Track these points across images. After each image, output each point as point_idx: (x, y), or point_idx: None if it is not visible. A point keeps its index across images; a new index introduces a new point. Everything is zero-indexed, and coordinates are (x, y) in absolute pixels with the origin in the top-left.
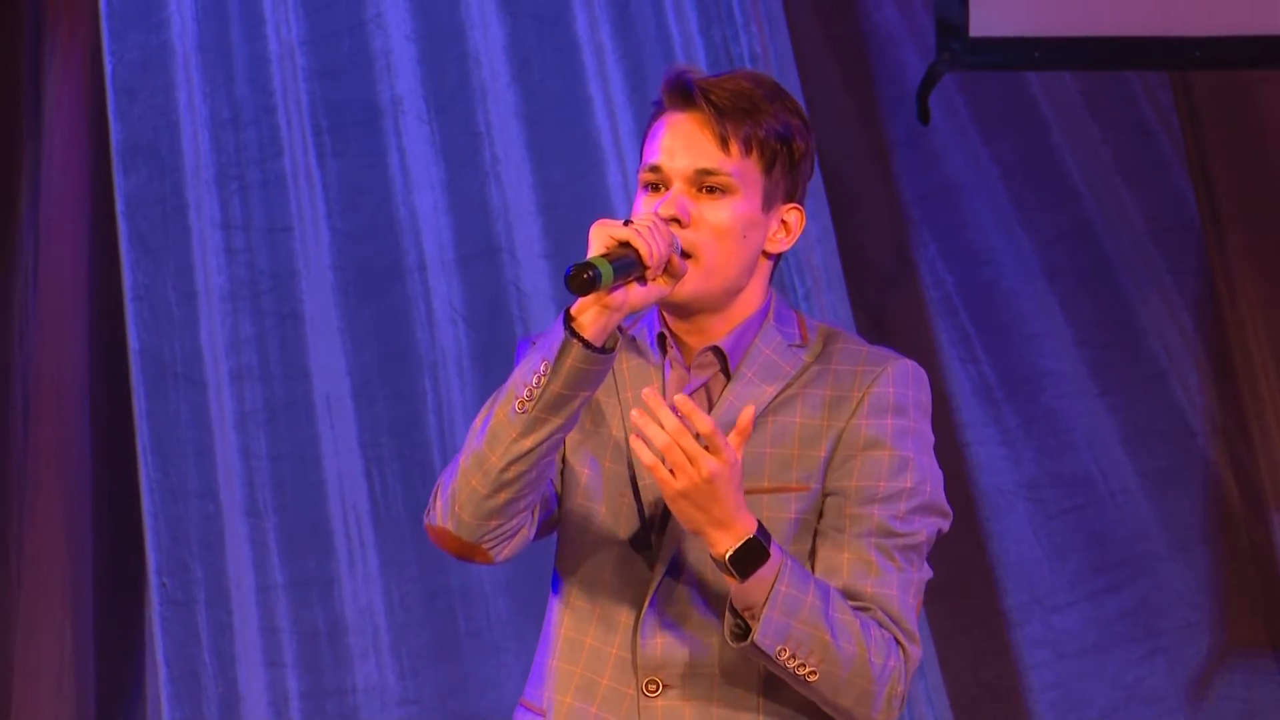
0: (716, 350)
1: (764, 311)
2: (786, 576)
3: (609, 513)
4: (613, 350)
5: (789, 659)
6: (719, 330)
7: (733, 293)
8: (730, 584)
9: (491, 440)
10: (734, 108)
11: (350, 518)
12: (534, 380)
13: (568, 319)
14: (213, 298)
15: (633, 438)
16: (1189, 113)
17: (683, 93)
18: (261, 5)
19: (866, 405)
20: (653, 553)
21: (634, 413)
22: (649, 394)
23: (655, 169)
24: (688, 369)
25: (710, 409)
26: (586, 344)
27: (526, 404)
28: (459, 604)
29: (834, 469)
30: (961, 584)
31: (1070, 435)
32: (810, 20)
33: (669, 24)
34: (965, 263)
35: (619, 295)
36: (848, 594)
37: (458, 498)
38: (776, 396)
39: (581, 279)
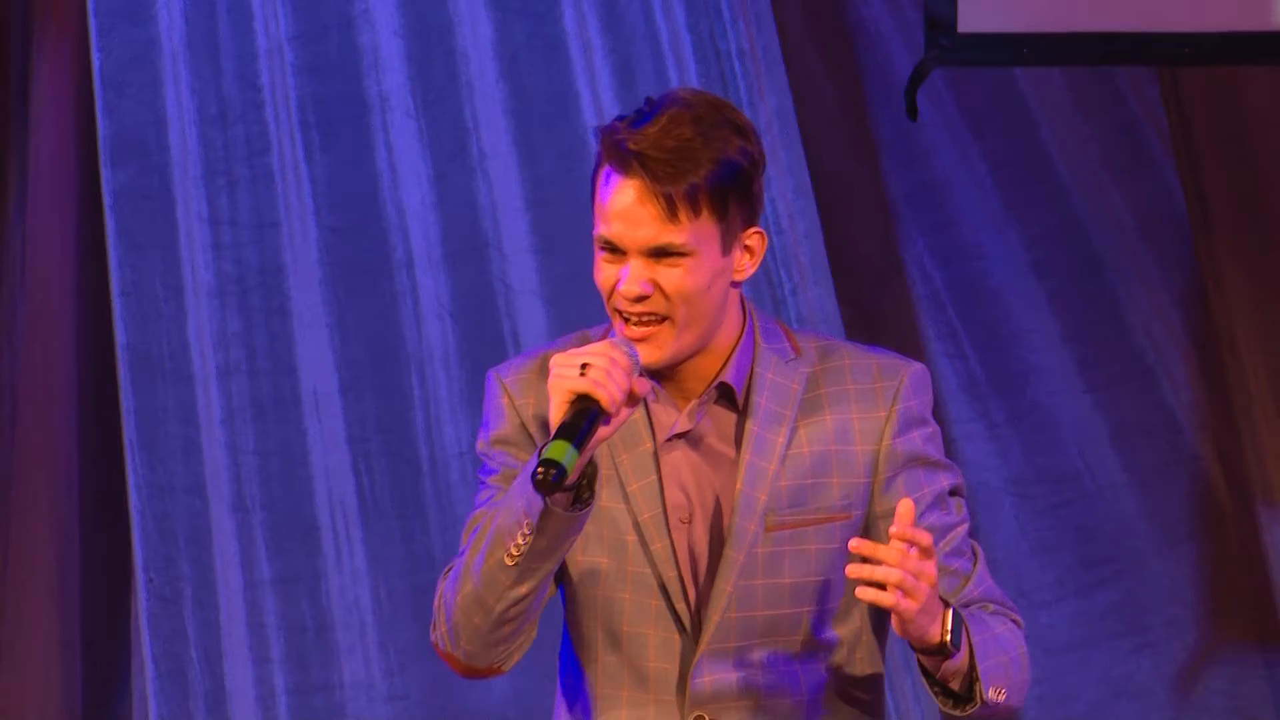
0: (722, 385)
1: (749, 333)
2: (969, 625)
3: (614, 563)
4: (591, 500)
5: (995, 695)
6: (707, 366)
7: (710, 335)
8: (930, 662)
9: (488, 586)
10: (674, 172)
11: (337, 513)
12: (519, 539)
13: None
14: (200, 293)
15: (860, 590)
16: (1177, 108)
17: (620, 158)
18: (249, 1)
19: (896, 423)
20: (685, 597)
21: (850, 567)
22: (858, 544)
23: (608, 242)
24: (675, 404)
25: (737, 447)
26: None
27: (516, 557)
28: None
29: (879, 492)
30: None
31: (1057, 431)
32: (798, 16)
33: (656, 20)
34: (953, 258)
35: (588, 445)
36: (965, 605)
37: (462, 633)
38: (797, 422)
39: (547, 483)
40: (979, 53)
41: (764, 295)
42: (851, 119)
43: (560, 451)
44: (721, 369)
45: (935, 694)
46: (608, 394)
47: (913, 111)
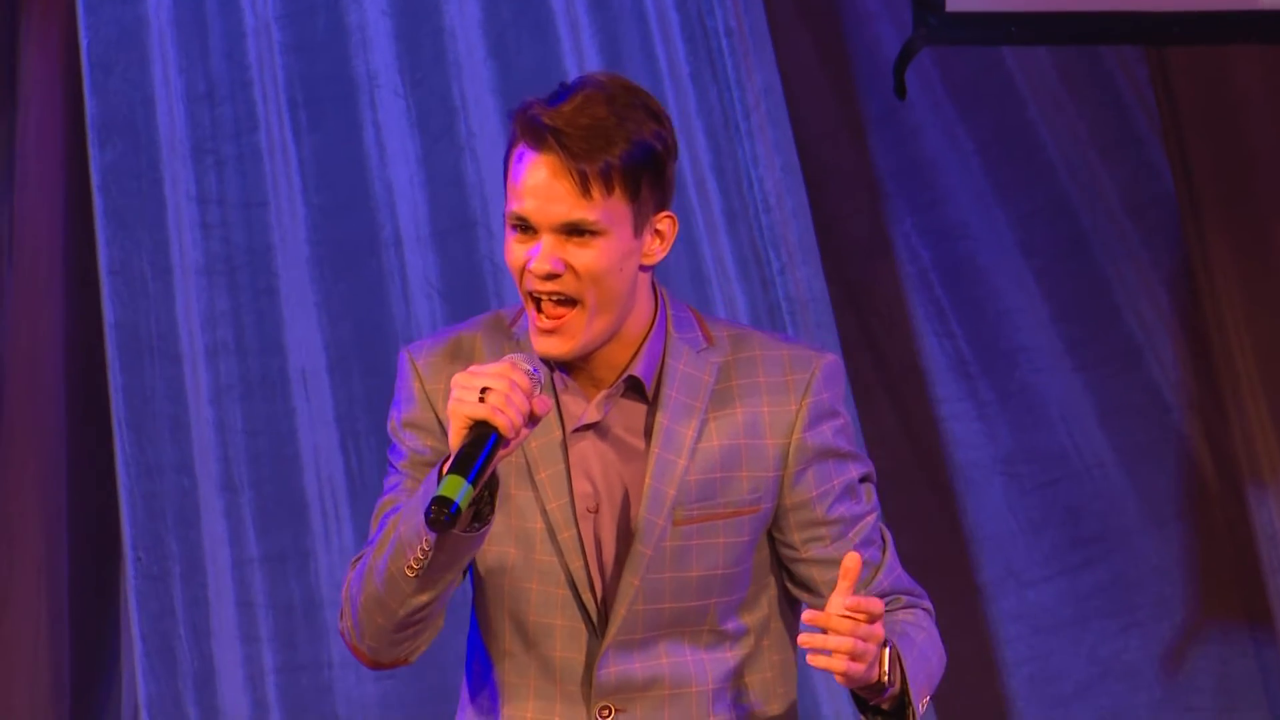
0: (631, 379)
1: (661, 321)
2: (901, 654)
3: (521, 553)
4: (491, 516)
5: (922, 705)
6: (618, 356)
7: (619, 321)
8: (865, 693)
9: (390, 591)
10: (588, 148)
11: (326, 492)
12: (419, 552)
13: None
14: (188, 272)
15: (810, 657)
16: (1165, 87)
17: (535, 133)
18: None
19: (807, 416)
20: (592, 588)
21: (802, 638)
22: (811, 616)
23: (520, 218)
24: (585, 392)
25: (646, 440)
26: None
27: (416, 569)
28: None
29: (788, 485)
30: (936, 558)
31: (1046, 410)
32: None
33: None
34: (941, 237)
35: (485, 474)
36: (877, 595)
37: (366, 630)
38: (707, 415)
39: (441, 522)
40: (967, 31)
41: (752, 274)
42: (839, 98)
43: (454, 488)
44: (632, 360)
45: (866, 718)
46: (507, 420)
47: (901, 90)
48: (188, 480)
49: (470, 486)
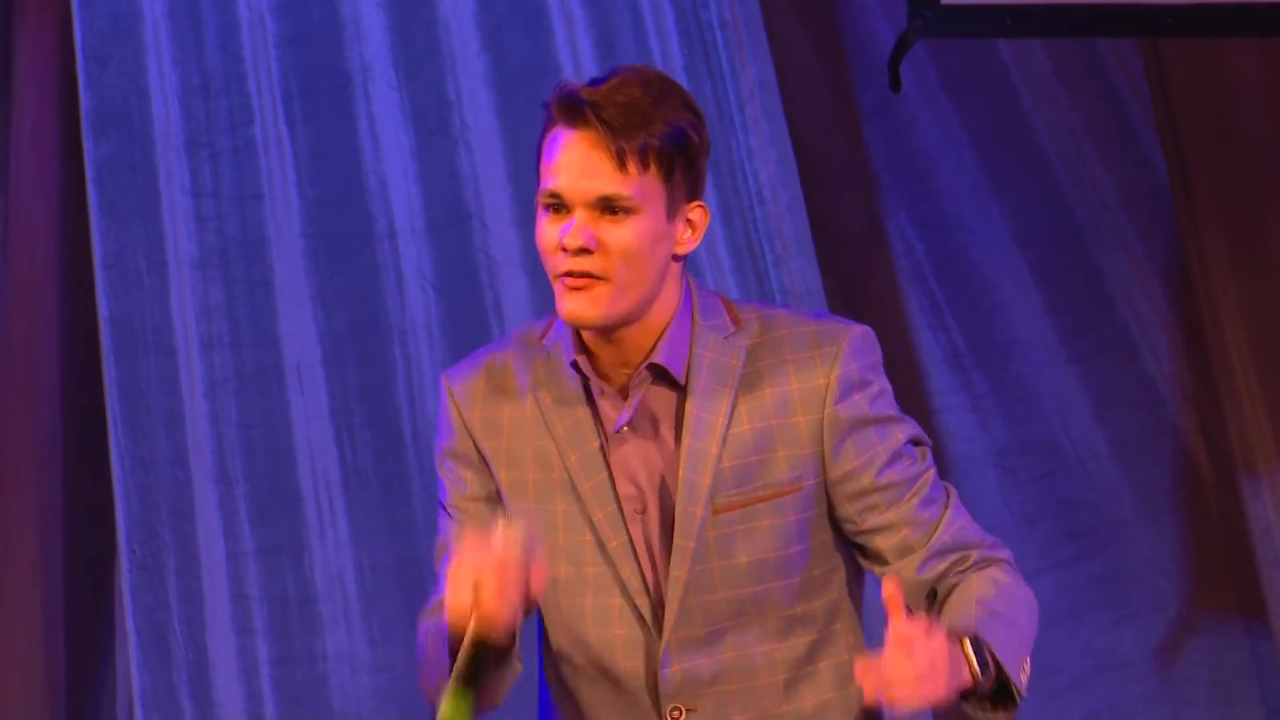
0: (653, 367)
1: (686, 309)
2: (986, 640)
3: (573, 569)
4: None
5: (1023, 675)
6: (643, 342)
7: (647, 304)
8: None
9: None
10: (626, 123)
11: (320, 485)
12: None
13: None
14: (183, 265)
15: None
16: (1159, 80)
17: (573, 109)
18: None
19: (837, 389)
20: (646, 591)
21: (858, 672)
22: (861, 667)
23: (555, 195)
24: (620, 394)
25: (678, 432)
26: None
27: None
28: (430, 572)
29: (829, 459)
30: None
31: (1040, 402)
32: None
33: None
34: (935, 230)
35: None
36: (939, 553)
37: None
38: (736, 399)
39: None
40: (962, 24)
41: (747, 268)
42: (834, 90)
43: (456, 712)
44: (654, 348)
45: (975, 713)
46: (499, 631)
47: (895, 83)
48: (182, 473)
49: (472, 696)
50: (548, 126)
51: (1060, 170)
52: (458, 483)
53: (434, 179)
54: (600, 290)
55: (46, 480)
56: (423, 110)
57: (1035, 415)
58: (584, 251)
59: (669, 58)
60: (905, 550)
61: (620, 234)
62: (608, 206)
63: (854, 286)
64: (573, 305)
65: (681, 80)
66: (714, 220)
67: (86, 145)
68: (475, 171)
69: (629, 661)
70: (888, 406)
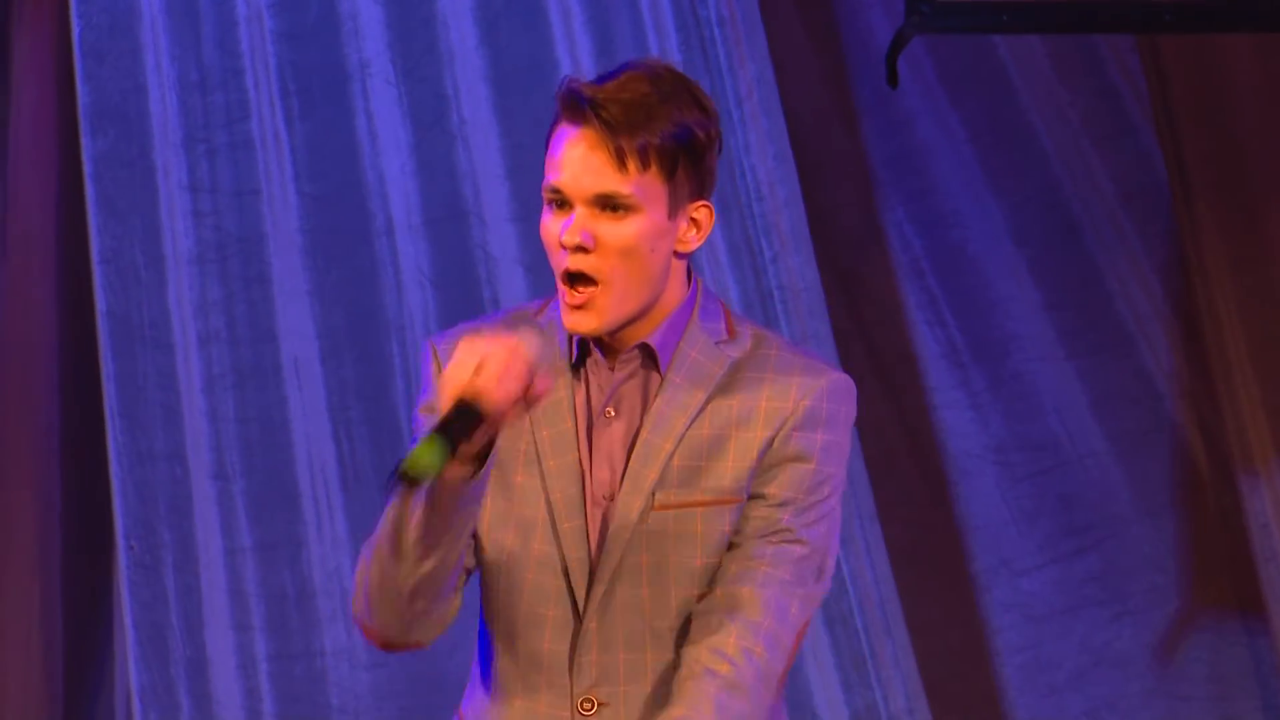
0: (644, 346)
1: (689, 305)
2: None
3: (520, 542)
4: (485, 465)
5: None
6: (641, 330)
7: (648, 306)
8: None
9: (395, 563)
10: (627, 121)
11: (318, 481)
12: (416, 514)
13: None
14: (180, 261)
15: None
16: (1157, 76)
17: (574, 107)
18: None
19: (800, 417)
20: (577, 574)
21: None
22: None
23: (556, 190)
24: (611, 369)
25: (643, 409)
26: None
27: (415, 535)
28: None
29: (760, 475)
30: (929, 548)
31: (1038, 399)
32: None
33: None
34: (933, 226)
35: (477, 436)
36: (723, 597)
37: (378, 609)
38: (706, 403)
39: (409, 481)
40: (958, 20)
41: (745, 263)
42: (832, 86)
43: (426, 454)
44: (650, 332)
45: None
46: (492, 401)
47: (893, 79)
48: (180, 469)
49: (448, 449)
50: (555, 120)
51: (1058, 166)
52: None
53: (432, 175)
54: (600, 301)
55: (44, 476)
56: (420, 106)
57: (1033, 411)
58: (581, 249)
59: (667, 54)
60: (719, 576)
61: (619, 232)
62: (607, 204)
63: (852, 282)
64: (574, 320)
65: None
66: None
67: (84, 141)
68: (473, 167)
69: (555, 644)
70: (835, 465)
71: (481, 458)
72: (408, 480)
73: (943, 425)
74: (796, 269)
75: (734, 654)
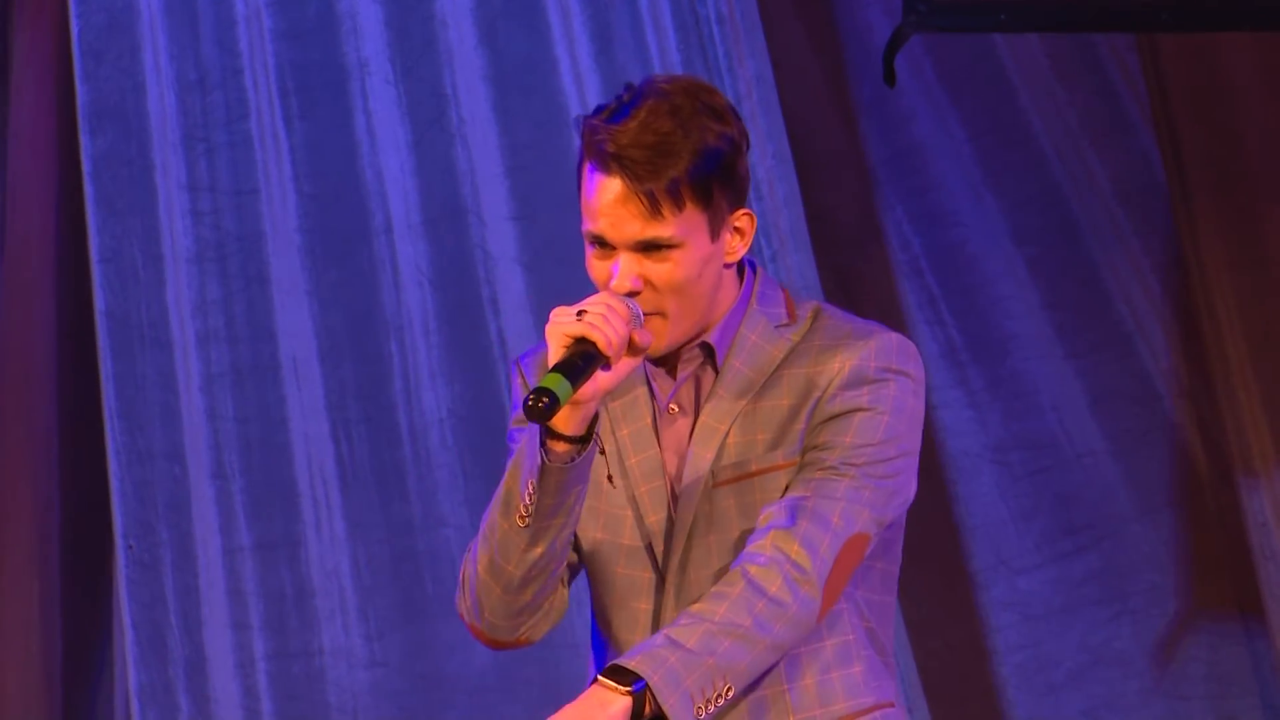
0: (704, 345)
1: (745, 299)
2: (654, 664)
3: (609, 538)
4: (591, 439)
5: (705, 703)
6: (703, 331)
7: (706, 318)
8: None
9: (504, 551)
10: (653, 167)
11: (317, 480)
12: (526, 499)
13: (543, 429)
14: (179, 260)
15: None
16: (1155, 75)
17: (599, 157)
18: None
19: (845, 377)
20: (656, 566)
21: None
22: None
23: (597, 237)
24: (670, 373)
25: (697, 405)
26: (565, 444)
27: (526, 518)
28: (426, 566)
29: (809, 435)
30: (927, 546)
31: (1036, 398)
32: None
33: None
34: (932, 225)
35: (587, 388)
36: (763, 519)
37: (485, 604)
38: (764, 383)
39: (538, 409)
40: (957, 19)
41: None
42: (830, 85)
43: (554, 382)
44: (708, 330)
45: None
46: (604, 336)
47: (890, 77)
48: (178, 468)
49: (569, 384)
50: (582, 156)
51: (1056, 165)
52: None
53: (430, 174)
54: (658, 327)
55: (43, 475)
56: (419, 105)
57: (1032, 410)
58: (632, 294)
59: (665, 53)
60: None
61: (665, 270)
62: (650, 247)
63: (850, 281)
64: None
65: None
66: None
67: (83, 140)
68: (472, 166)
69: (647, 635)
70: (890, 408)
71: (584, 440)
72: (536, 410)
73: (941, 424)
74: (795, 267)
75: (768, 552)
